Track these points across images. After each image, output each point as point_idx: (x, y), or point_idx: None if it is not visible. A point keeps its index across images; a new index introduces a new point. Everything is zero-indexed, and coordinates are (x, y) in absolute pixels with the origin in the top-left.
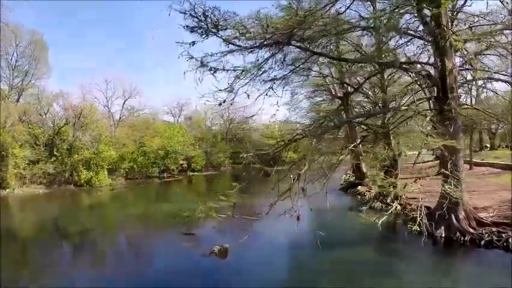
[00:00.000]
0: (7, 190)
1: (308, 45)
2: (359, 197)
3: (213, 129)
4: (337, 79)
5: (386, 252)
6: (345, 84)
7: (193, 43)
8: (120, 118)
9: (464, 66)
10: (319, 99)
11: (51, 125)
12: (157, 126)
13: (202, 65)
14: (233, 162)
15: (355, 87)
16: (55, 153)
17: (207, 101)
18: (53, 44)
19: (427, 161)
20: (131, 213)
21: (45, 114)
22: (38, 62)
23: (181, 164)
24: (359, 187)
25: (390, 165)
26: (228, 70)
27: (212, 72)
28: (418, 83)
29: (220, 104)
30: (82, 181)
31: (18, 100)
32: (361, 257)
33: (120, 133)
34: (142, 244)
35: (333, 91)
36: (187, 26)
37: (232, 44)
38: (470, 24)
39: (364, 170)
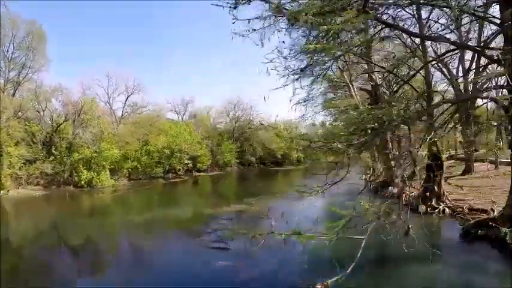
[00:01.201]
0: (1, 192)
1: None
2: (389, 197)
3: (219, 128)
4: (366, 71)
5: (461, 265)
6: (374, 77)
7: (236, 5)
8: (122, 115)
9: None
10: (332, 95)
11: (50, 122)
12: (162, 123)
13: (278, 10)
14: (239, 162)
15: (404, 80)
16: (53, 151)
17: (272, 69)
18: (53, 38)
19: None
20: (140, 219)
21: (43, 110)
22: (35, 54)
23: (187, 164)
24: (390, 188)
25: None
26: (312, 23)
27: (291, 23)
28: None
29: (301, 70)
30: (82, 182)
31: (14, 94)
32: (438, 273)
33: (122, 130)
34: (162, 261)
35: (351, 87)
36: None
37: (285, 9)
38: None
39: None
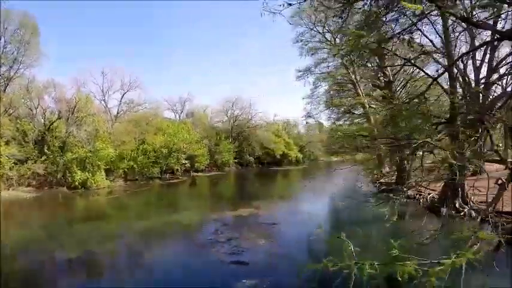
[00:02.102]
0: None
1: None
2: (405, 200)
3: (217, 127)
4: (378, 66)
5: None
6: (387, 73)
7: None
8: (117, 113)
9: None
10: (334, 94)
11: (42, 120)
12: (159, 121)
13: None
14: (238, 162)
15: (433, 77)
16: (46, 151)
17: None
18: (53, 38)
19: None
20: (140, 226)
21: (36, 108)
22: (27, 48)
23: (184, 164)
24: (405, 189)
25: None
26: None
27: None
28: None
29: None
30: (76, 183)
31: (4, 91)
32: None
33: (118, 129)
34: (172, 278)
35: (357, 85)
36: None
37: None
38: None
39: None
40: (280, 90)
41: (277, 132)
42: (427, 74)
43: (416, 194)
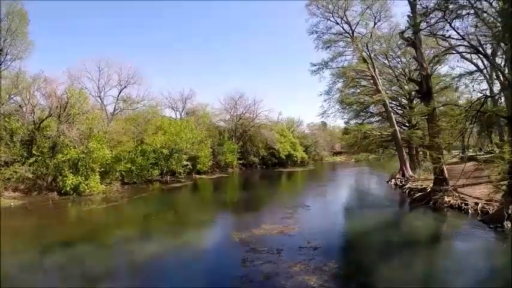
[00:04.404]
0: None
1: None
2: (446, 210)
3: (219, 126)
4: (415, 58)
5: None
6: (425, 65)
7: None
8: (114, 111)
9: None
10: (348, 91)
11: (31, 117)
12: (160, 120)
13: None
14: (242, 163)
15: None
16: (34, 152)
17: None
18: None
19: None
20: (147, 252)
21: (26, 105)
22: (14, 37)
23: (186, 165)
24: (446, 198)
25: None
26: None
27: None
28: None
29: None
30: (68, 188)
31: None
32: None
33: (115, 128)
34: None
35: (378, 81)
36: None
37: None
38: None
39: (447, 175)
40: (282, 89)
41: (283, 132)
42: (495, 65)
43: (461, 203)
